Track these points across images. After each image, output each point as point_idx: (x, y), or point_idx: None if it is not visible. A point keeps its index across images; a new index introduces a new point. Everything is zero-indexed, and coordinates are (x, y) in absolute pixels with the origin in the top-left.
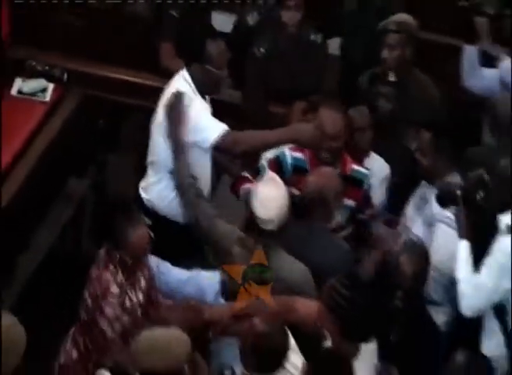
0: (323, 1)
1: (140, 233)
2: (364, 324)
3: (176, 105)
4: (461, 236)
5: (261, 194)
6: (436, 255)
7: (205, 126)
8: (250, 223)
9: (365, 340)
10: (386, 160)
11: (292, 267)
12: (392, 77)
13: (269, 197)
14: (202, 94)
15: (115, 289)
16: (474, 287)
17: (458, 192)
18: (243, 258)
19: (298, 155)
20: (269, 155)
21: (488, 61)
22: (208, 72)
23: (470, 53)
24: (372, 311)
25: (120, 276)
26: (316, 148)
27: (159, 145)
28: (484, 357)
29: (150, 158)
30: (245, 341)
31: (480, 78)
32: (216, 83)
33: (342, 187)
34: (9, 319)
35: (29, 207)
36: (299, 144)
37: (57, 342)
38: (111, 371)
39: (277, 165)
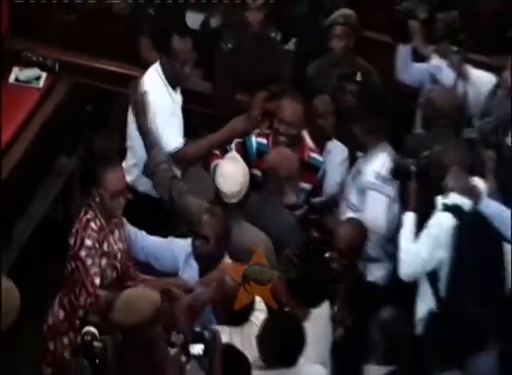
0: (280, 5)
1: (117, 173)
2: (313, 291)
3: (141, 102)
4: (409, 208)
5: (223, 171)
6: (368, 217)
7: (165, 136)
8: (216, 197)
9: (315, 305)
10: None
11: (254, 236)
12: (359, 77)
13: (230, 174)
14: (171, 85)
15: (94, 226)
16: (412, 256)
17: (413, 168)
18: (211, 224)
19: (262, 140)
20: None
21: (419, 57)
22: (173, 65)
23: (403, 51)
24: (320, 279)
25: (100, 219)
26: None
27: (133, 132)
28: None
29: (128, 143)
30: (217, 298)
31: (412, 72)
32: (179, 77)
33: (296, 168)
34: (7, 283)
35: (25, 180)
36: (237, 136)
37: (50, 302)
38: (96, 327)
39: (243, 148)
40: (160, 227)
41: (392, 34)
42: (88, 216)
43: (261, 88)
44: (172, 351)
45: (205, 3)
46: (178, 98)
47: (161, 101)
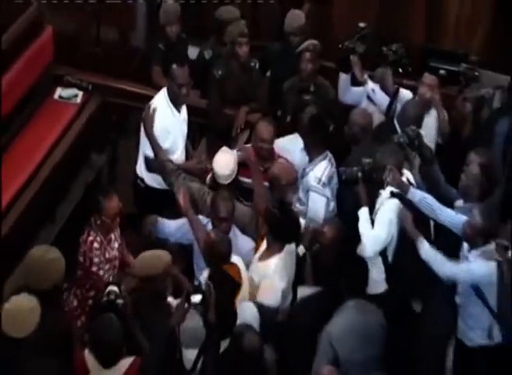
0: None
1: (112, 202)
2: (285, 229)
3: (148, 117)
4: (362, 204)
5: (219, 159)
6: (310, 213)
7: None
8: (213, 181)
9: (289, 241)
10: None
11: (243, 210)
12: (312, 88)
13: (224, 161)
14: (174, 105)
15: (96, 245)
16: (374, 239)
17: (359, 174)
18: (226, 208)
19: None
20: None
21: (357, 82)
22: (172, 87)
23: (344, 78)
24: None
25: (100, 237)
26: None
27: (143, 137)
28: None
29: (140, 146)
30: (203, 248)
31: (351, 95)
32: (177, 96)
33: (294, 176)
34: (56, 253)
35: (66, 171)
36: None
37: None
38: (118, 287)
39: None
40: (167, 211)
41: (336, 65)
42: (91, 238)
43: (244, 104)
44: (177, 300)
45: (200, 39)
46: (182, 115)
47: (162, 118)
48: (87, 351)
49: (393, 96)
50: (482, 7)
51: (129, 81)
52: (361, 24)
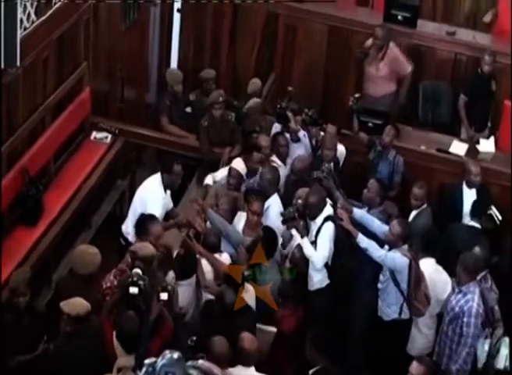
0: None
1: (157, 227)
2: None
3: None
4: (302, 235)
5: (236, 164)
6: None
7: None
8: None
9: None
10: None
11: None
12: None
13: (238, 165)
14: (165, 189)
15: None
16: (320, 257)
17: (295, 214)
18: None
19: None
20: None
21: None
22: (170, 179)
23: (278, 126)
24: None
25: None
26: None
27: (135, 204)
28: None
29: (131, 211)
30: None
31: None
32: (170, 186)
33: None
34: (94, 249)
35: (99, 191)
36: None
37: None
38: (141, 270)
39: None
40: None
41: (276, 119)
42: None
43: (226, 146)
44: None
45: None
46: (168, 196)
47: (156, 198)
48: (115, 340)
49: (316, 142)
50: None
51: (144, 127)
52: (290, 88)
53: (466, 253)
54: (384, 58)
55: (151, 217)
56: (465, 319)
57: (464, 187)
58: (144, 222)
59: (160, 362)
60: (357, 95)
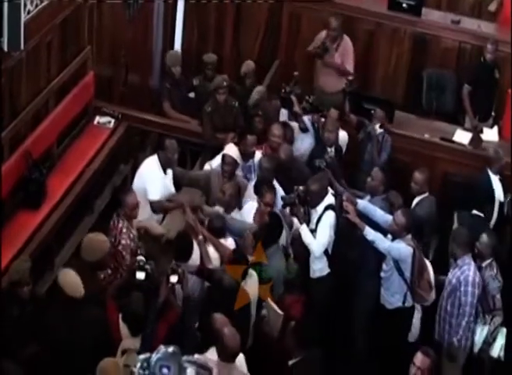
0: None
1: (132, 196)
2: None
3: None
4: (301, 222)
5: (229, 149)
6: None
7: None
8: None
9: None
10: None
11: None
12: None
13: (232, 150)
14: (163, 169)
15: (124, 230)
16: (319, 245)
17: (296, 199)
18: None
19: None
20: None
21: (294, 114)
22: (164, 156)
23: (284, 112)
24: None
25: (125, 223)
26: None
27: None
28: None
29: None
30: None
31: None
32: (166, 164)
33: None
34: (102, 236)
35: (102, 176)
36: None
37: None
38: (144, 256)
39: None
40: None
41: (280, 103)
42: (120, 225)
43: (229, 131)
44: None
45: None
46: (168, 176)
47: (155, 179)
48: (121, 322)
49: (318, 129)
50: (401, 67)
51: (147, 111)
52: (295, 73)
53: (455, 229)
54: (338, 50)
55: (126, 189)
56: (462, 289)
57: (490, 173)
58: (119, 193)
59: (155, 356)
60: (350, 78)
